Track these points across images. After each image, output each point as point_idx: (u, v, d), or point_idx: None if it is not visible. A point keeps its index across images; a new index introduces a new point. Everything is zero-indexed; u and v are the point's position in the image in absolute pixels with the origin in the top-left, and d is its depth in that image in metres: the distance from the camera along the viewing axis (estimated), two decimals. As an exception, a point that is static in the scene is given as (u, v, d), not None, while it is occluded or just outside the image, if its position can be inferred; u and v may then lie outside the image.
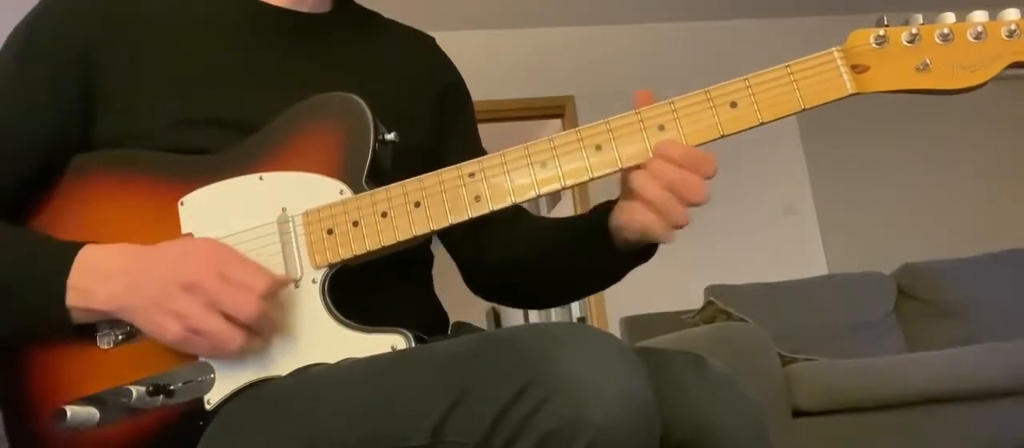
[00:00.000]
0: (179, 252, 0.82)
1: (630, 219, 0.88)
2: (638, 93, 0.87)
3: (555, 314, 6.95)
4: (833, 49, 0.84)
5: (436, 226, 0.86)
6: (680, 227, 0.85)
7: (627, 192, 0.88)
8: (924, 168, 4.97)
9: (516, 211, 1.08)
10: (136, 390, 0.82)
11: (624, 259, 0.96)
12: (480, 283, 1.14)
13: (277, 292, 0.83)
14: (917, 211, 4.88)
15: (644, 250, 0.95)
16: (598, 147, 0.85)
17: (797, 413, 2.49)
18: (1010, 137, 5.10)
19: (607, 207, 0.95)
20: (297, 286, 0.86)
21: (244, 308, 0.79)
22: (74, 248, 0.84)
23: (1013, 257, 3.50)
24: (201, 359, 0.84)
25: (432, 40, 1.19)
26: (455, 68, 1.18)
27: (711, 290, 3.19)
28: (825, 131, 4.75)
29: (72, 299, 0.82)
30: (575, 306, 6.31)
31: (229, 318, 0.79)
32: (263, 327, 0.82)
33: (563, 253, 1.03)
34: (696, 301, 3.15)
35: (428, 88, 1.11)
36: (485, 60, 4.49)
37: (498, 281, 1.12)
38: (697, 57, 4.77)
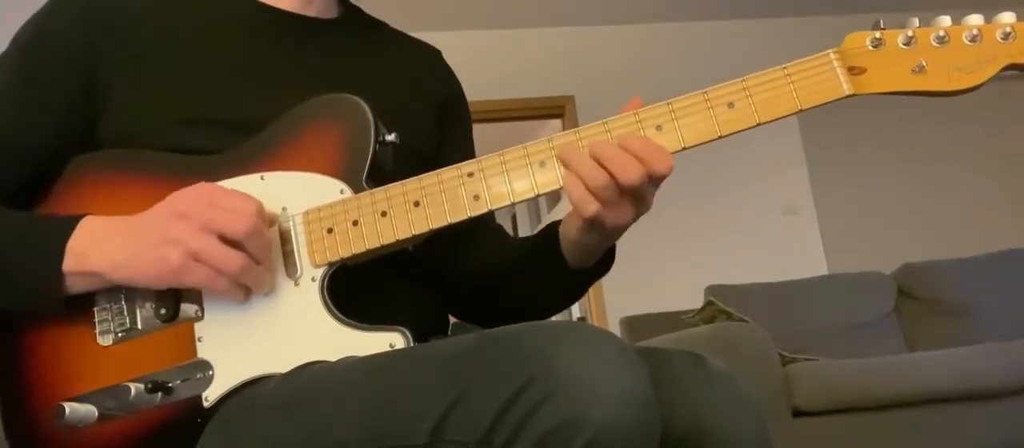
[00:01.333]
0: (169, 197, 0.84)
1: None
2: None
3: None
4: (829, 51, 0.85)
5: (435, 225, 0.86)
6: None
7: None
8: (924, 168, 4.97)
9: (495, 227, 1.09)
10: (135, 387, 0.83)
11: (580, 273, 0.98)
12: (452, 294, 1.13)
13: (268, 220, 0.85)
14: (917, 211, 4.88)
15: (600, 263, 0.97)
16: (597, 147, 0.85)
17: (797, 413, 2.49)
18: (1010, 138, 5.11)
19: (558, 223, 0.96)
20: (297, 284, 0.86)
21: (236, 224, 0.80)
22: (76, 218, 0.85)
23: (1013, 257, 3.50)
24: (199, 357, 0.85)
25: (438, 52, 1.19)
26: (457, 80, 1.19)
27: (711, 290, 3.20)
28: (825, 131, 4.76)
29: (69, 263, 0.83)
30: (575, 306, 6.31)
31: (225, 241, 0.80)
32: (260, 253, 0.83)
33: (526, 269, 1.04)
34: (696, 301, 3.16)
35: (430, 93, 1.12)
36: (485, 60, 4.50)
37: (474, 285, 1.10)
38: (696, 57, 4.78)
